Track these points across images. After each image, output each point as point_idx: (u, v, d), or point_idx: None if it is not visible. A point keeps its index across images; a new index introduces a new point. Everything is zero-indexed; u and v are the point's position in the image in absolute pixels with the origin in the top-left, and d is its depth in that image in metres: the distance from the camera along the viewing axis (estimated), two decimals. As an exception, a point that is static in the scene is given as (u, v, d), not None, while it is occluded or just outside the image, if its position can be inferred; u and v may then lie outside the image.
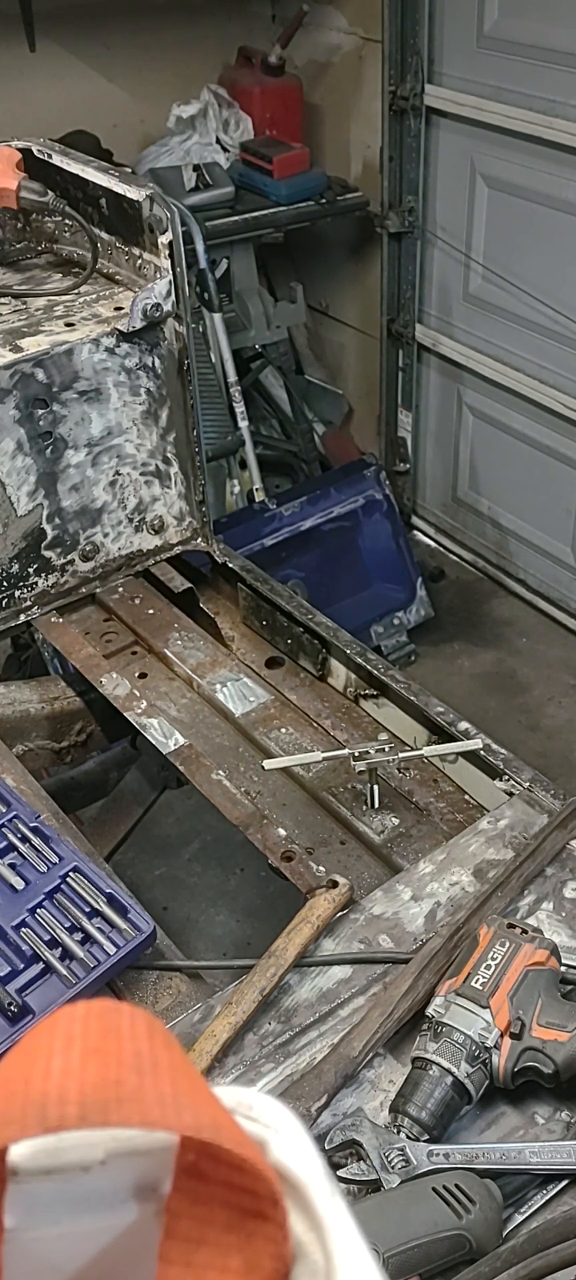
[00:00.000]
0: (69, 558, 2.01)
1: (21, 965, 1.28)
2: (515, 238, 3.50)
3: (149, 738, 1.75)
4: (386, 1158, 1.06)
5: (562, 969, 1.23)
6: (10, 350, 1.84)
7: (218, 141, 3.93)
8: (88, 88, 3.80)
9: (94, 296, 2.01)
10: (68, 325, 1.92)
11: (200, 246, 3.56)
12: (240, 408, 3.75)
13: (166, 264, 1.93)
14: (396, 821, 1.56)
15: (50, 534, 1.97)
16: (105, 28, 3.80)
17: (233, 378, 3.74)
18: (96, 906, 1.33)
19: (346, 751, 1.61)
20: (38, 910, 1.34)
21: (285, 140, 3.89)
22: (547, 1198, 1.07)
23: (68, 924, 1.32)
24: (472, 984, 1.17)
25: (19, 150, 2.07)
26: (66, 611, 2.02)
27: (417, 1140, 1.09)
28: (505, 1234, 1.03)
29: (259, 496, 3.75)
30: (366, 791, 1.59)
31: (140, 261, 2.00)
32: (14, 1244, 0.42)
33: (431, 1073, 1.12)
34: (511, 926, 1.24)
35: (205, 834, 3.04)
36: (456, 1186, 1.02)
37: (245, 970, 1.27)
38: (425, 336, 3.97)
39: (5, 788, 1.51)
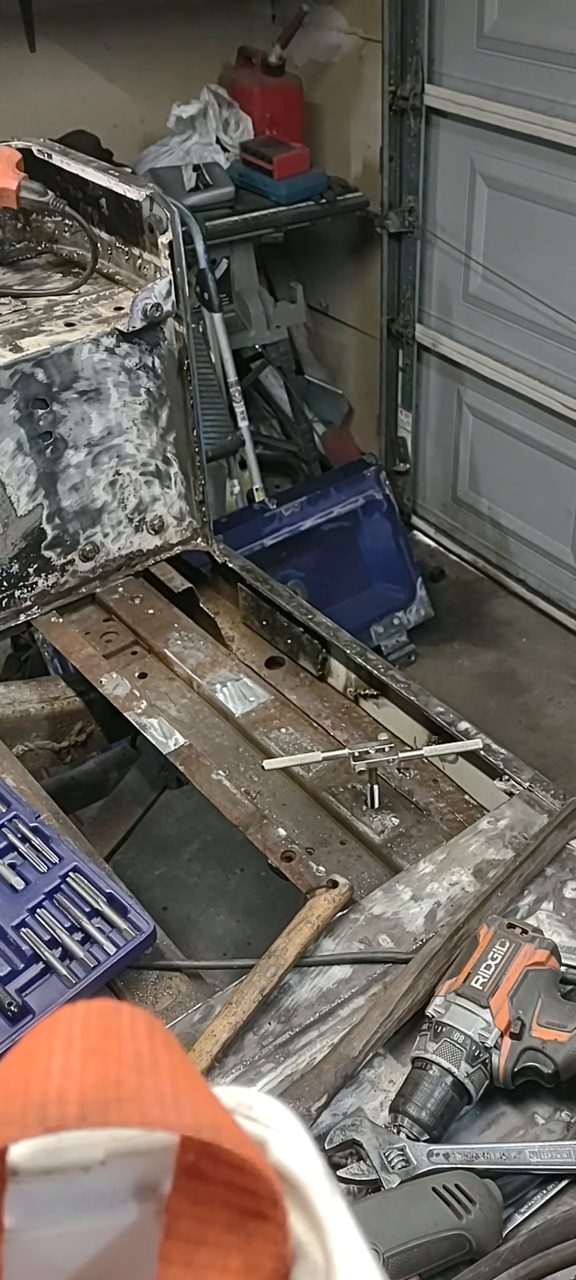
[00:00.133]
0: (69, 558, 2.01)
1: (21, 965, 1.28)
2: (515, 238, 3.50)
3: (149, 738, 1.75)
4: (386, 1158, 1.06)
5: (562, 969, 1.23)
6: (10, 350, 1.84)
7: (218, 141, 3.93)
8: (88, 88, 3.80)
9: (94, 296, 2.01)
10: (68, 325, 1.92)
11: (200, 246, 3.56)
12: (240, 408, 3.75)
13: (166, 264, 1.93)
14: (396, 821, 1.56)
15: (50, 534, 1.97)
16: (105, 28, 3.80)
17: (233, 378, 3.74)
18: (96, 906, 1.33)
19: (346, 751, 1.61)
20: (38, 910, 1.34)
21: (285, 140, 3.89)
22: (547, 1198, 1.07)
23: (68, 924, 1.32)
24: (472, 984, 1.17)
25: (19, 150, 2.07)
26: (66, 611, 2.02)
27: (417, 1140, 1.09)
28: (505, 1234, 1.03)
29: (259, 496, 3.75)
30: (366, 791, 1.59)
31: (140, 261, 2.00)
32: (14, 1244, 0.42)
33: (431, 1073, 1.12)
34: (511, 926, 1.24)
35: (205, 834, 3.04)
36: (456, 1186, 1.02)
37: (245, 970, 1.27)
38: (425, 336, 3.97)
39: (5, 788, 1.51)
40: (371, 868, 1.50)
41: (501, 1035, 1.14)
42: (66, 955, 1.29)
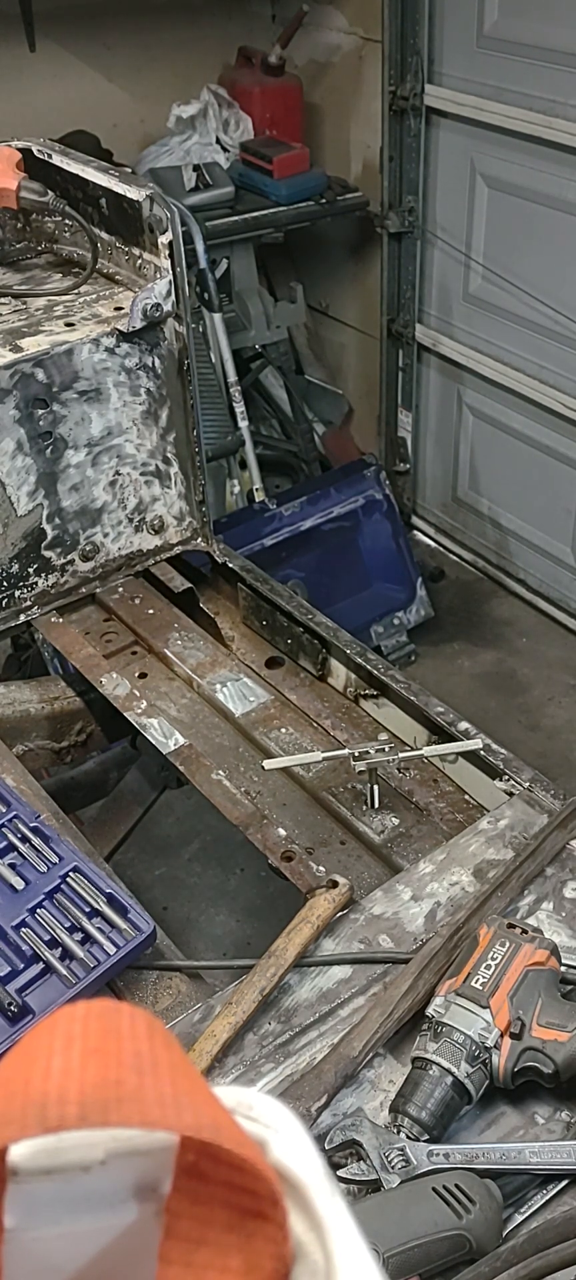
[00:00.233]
0: (69, 558, 2.01)
1: (21, 965, 1.28)
2: (515, 238, 3.50)
3: (149, 738, 1.75)
4: (386, 1158, 1.06)
5: (562, 969, 1.23)
6: (10, 350, 1.84)
7: (218, 141, 3.93)
8: (88, 88, 3.80)
9: (94, 296, 2.01)
10: (68, 325, 1.92)
11: (200, 246, 3.56)
12: (240, 408, 3.75)
13: (166, 264, 1.93)
14: (396, 821, 1.56)
15: (50, 534, 1.97)
16: (105, 28, 3.80)
17: (233, 378, 3.74)
18: (96, 906, 1.33)
19: (346, 751, 1.61)
20: (38, 910, 1.34)
21: (285, 140, 3.89)
22: (547, 1198, 1.07)
23: (68, 924, 1.32)
24: (472, 984, 1.17)
25: (19, 150, 2.07)
26: (66, 611, 2.02)
27: (417, 1140, 1.09)
28: (505, 1234, 1.03)
29: (259, 496, 3.75)
30: (366, 791, 1.59)
31: (140, 261, 2.00)
32: (14, 1244, 0.42)
33: (431, 1073, 1.12)
34: (511, 926, 1.24)
35: (205, 834, 3.04)
36: (456, 1186, 1.02)
37: (245, 970, 1.27)
38: (425, 336, 3.97)
39: (5, 788, 1.51)
40: (371, 868, 1.50)
41: (501, 1035, 1.14)
42: (66, 955, 1.29)
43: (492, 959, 1.19)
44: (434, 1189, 1.02)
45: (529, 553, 3.90)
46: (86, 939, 1.31)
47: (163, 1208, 0.43)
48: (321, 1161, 0.43)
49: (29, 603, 1.99)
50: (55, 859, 1.39)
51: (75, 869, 1.38)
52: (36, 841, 1.42)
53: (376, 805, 1.58)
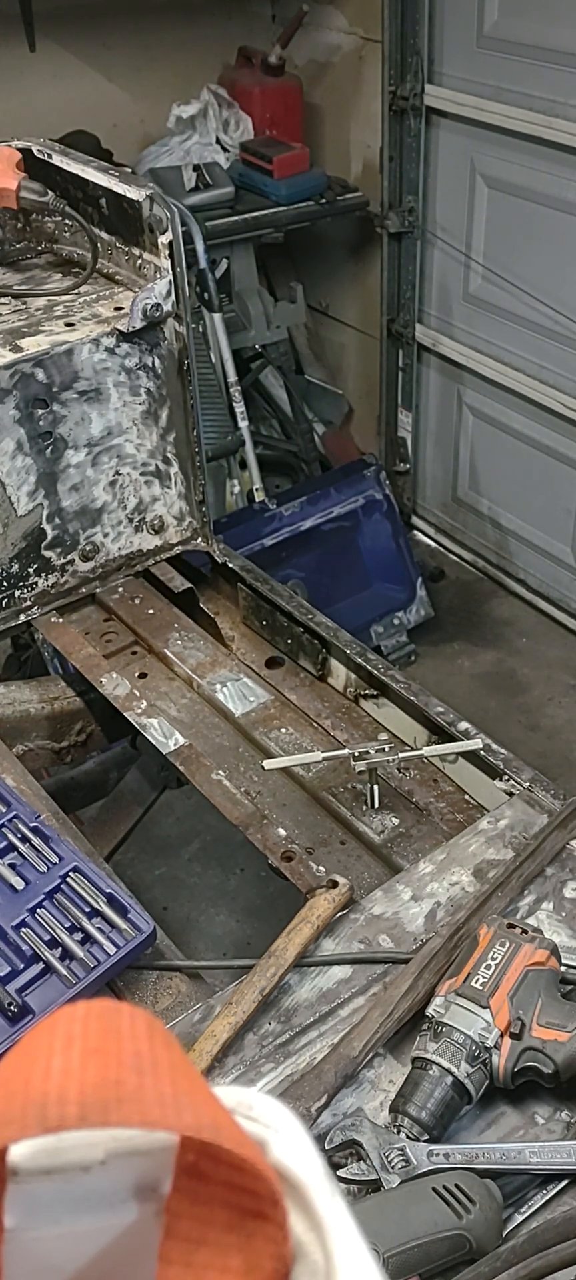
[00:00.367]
0: (69, 558, 2.01)
1: (21, 965, 1.28)
2: (515, 238, 3.50)
3: (149, 738, 1.75)
4: (386, 1158, 1.06)
5: (562, 969, 1.23)
6: (10, 350, 1.84)
7: (218, 141, 3.93)
8: (88, 88, 3.80)
9: (94, 296, 2.01)
10: (68, 325, 1.92)
11: (200, 246, 3.56)
12: (240, 408, 3.75)
13: (166, 264, 1.93)
14: (396, 821, 1.56)
15: (50, 534, 1.97)
16: (105, 28, 3.80)
17: (233, 378, 3.74)
18: (96, 906, 1.33)
19: (346, 751, 1.61)
20: (38, 910, 1.34)
21: (285, 140, 3.89)
22: (547, 1198, 1.07)
23: (68, 924, 1.32)
24: (472, 984, 1.17)
25: (19, 150, 2.07)
26: (66, 611, 2.02)
27: (417, 1140, 1.09)
28: (505, 1234, 1.03)
29: (259, 496, 3.75)
30: (366, 791, 1.59)
31: (140, 261, 2.00)
32: (14, 1244, 0.42)
33: (431, 1073, 1.12)
34: (511, 926, 1.24)
35: (205, 834, 3.04)
36: (456, 1186, 1.02)
37: (245, 970, 1.27)
38: (425, 336, 3.97)
39: (5, 788, 1.51)
40: (371, 868, 1.50)
41: (501, 1035, 1.14)
42: (66, 955, 1.29)
43: (492, 959, 1.19)
44: (434, 1189, 1.02)
45: (529, 553, 3.90)
46: (86, 939, 1.31)
47: (163, 1208, 0.43)
48: (321, 1161, 0.43)
49: (29, 603, 1.99)
50: (55, 859, 1.39)
51: (75, 869, 1.38)
52: (36, 841, 1.42)
53: (376, 805, 1.58)
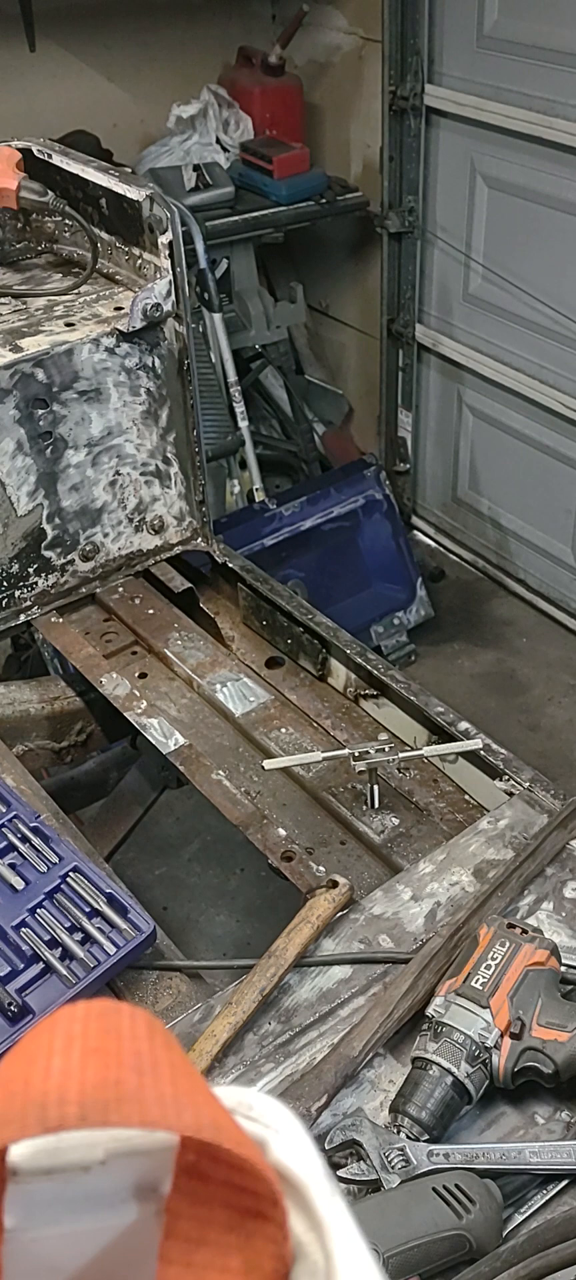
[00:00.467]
0: (69, 558, 2.01)
1: (21, 965, 1.28)
2: (515, 238, 3.50)
3: (149, 738, 1.75)
4: (386, 1158, 1.06)
5: (562, 969, 1.23)
6: (10, 350, 1.84)
7: (218, 141, 3.93)
8: (88, 88, 3.80)
9: (94, 296, 2.01)
10: (68, 325, 1.92)
11: (200, 246, 3.56)
12: (240, 408, 3.75)
13: (166, 264, 1.93)
14: (396, 821, 1.56)
15: (50, 534, 1.97)
16: (105, 28, 3.80)
17: (233, 378, 3.74)
18: (96, 906, 1.33)
19: (346, 751, 1.61)
20: (38, 910, 1.34)
21: (285, 140, 3.89)
22: (547, 1198, 1.07)
23: (68, 924, 1.32)
24: (472, 984, 1.17)
25: (19, 150, 2.07)
26: (66, 611, 2.02)
27: (417, 1140, 1.09)
28: (505, 1234, 1.03)
29: (259, 496, 3.75)
30: (366, 791, 1.59)
31: (140, 261, 2.00)
32: (14, 1244, 0.42)
33: (431, 1073, 1.12)
34: (511, 926, 1.24)
35: (205, 834, 3.04)
36: (456, 1186, 1.02)
37: (245, 970, 1.27)
38: (425, 336, 3.97)
39: (5, 788, 1.51)
40: (371, 868, 1.50)
41: (501, 1035, 1.14)
42: (66, 955, 1.29)
43: (492, 959, 1.19)
44: (434, 1189, 1.02)
45: (529, 553, 3.90)
46: (86, 939, 1.31)
47: (163, 1208, 0.43)
48: (321, 1161, 0.43)
49: (29, 603, 1.99)
50: (55, 859, 1.39)
51: (75, 869, 1.38)
52: (36, 841, 1.42)
53: (376, 805, 1.58)
